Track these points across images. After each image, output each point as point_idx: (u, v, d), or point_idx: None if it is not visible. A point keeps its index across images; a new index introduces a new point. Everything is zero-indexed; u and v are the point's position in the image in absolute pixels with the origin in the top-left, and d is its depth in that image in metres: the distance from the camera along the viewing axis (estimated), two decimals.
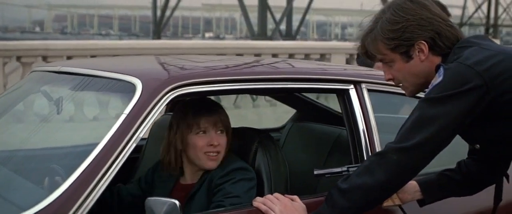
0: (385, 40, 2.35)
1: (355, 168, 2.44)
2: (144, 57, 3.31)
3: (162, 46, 10.16)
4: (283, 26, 35.52)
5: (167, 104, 2.48)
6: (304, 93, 3.81)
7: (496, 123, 2.28)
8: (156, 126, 3.19)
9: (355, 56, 10.63)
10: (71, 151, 2.73)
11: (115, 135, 2.29)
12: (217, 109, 2.83)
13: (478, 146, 2.42)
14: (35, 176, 2.59)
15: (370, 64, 3.69)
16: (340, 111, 2.88)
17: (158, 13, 35.91)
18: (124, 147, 2.29)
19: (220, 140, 2.78)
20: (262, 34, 29.83)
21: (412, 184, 2.55)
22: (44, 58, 8.48)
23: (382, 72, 2.56)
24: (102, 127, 2.38)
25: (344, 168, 2.52)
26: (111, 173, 2.25)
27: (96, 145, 2.28)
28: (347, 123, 2.80)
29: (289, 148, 3.37)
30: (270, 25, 36.10)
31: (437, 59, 2.34)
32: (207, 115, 2.78)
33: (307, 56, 10.49)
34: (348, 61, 10.95)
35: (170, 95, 2.43)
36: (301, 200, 2.48)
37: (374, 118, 2.79)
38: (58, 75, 2.90)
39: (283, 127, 3.87)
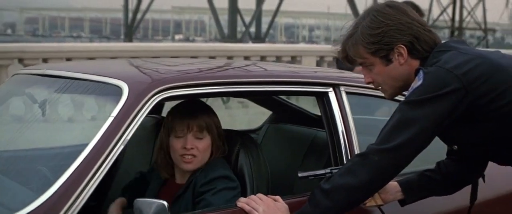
0: (365, 45, 2.39)
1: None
2: (127, 60, 3.31)
3: (137, 48, 10.13)
4: (252, 29, 35.59)
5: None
6: (280, 96, 3.83)
7: (474, 125, 2.32)
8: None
9: (327, 59, 10.77)
10: (60, 152, 2.74)
11: (103, 137, 2.31)
12: (195, 113, 2.80)
13: (456, 147, 2.48)
14: (23, 177, 2.59)
15: (350, 68, 3.74)
16: (314, 112, 2.90)
17: (130, 15, 35.77)
18: (112, 149, 2.31)
19: (196, 144, 2.76)
20: (232, 37, 29.86)
21: (394, 185, 2.61)
22: (20, 61, 8.44)
23: (360, 75, 2.61)
24: (89, 130, 2.40)
25: (328, 170, 2.56)
26: (100, 175, 2.27)
27: (84, 146, 2.30)
28: (327, 125, 2.83)
29: (266, 149, 3.37)
30: (239, 27, 36.11)
31: (416, 63, 2.39)
32: (181, 118, 2.78)
33: (278, 59, 10.50)
34: (318, 64, 11.02)
35: (157, 97, 2.45)
36: (283, 200, 2.52)
37: (353, 120, 2.83)
38: (43, 78, 2.90)
39: (259, 129, 3.91)
